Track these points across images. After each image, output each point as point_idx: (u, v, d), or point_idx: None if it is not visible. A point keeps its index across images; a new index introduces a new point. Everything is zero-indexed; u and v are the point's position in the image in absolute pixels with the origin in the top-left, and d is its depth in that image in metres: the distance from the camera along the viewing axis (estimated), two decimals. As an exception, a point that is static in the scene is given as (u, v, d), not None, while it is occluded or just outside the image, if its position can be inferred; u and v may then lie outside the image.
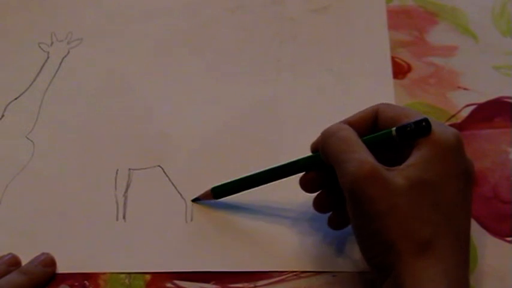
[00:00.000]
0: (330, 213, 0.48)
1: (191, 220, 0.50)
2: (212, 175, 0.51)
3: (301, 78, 0.57)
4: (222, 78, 0.58)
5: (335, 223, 0.48)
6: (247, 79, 0.58)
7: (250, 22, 0.61)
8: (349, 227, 0.47)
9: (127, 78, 0.58)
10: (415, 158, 0.41)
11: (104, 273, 0.48)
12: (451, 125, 0.53)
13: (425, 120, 0.42)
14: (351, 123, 0.44)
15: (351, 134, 0.43)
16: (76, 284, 0.48)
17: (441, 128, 0.42)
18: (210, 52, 0.60)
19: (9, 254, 0.49)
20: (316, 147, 0.46)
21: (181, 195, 0.51)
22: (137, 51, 0.60)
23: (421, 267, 0.39)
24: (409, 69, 0.57)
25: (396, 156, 0.43)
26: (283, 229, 0.49)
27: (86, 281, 0.48)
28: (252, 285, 0.47)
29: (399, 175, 0.41)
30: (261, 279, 0.47)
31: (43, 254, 0.49)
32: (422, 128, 0.41)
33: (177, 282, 0.48)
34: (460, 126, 0.54)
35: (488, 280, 0.46)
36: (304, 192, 0.47)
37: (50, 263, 0.48)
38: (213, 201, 0.51)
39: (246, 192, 0.50)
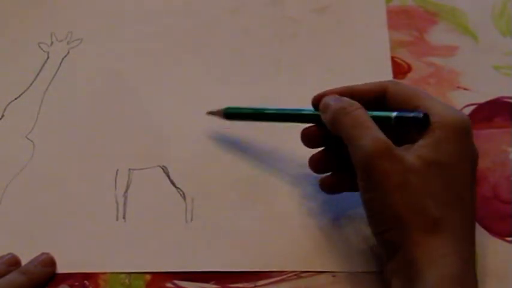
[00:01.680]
0: (323, 176, 0.48)
1: (191, 220, 0.50)
2: (212, 175, 0.51)
3: (301, 78, 0.57)
4: (222, 78, 0.58)
5: (328, 186, 0.48)
6: (247, 79, 0.58)
7: (250, 22, 0.61)
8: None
9: (127, 78, 0.58)
10: (428, 138, 0.42)
11: (104, 273, 0.48)
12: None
13: (425, 115, 0.42)
14: (356, 91, 0.45)
15: (364, 113, 0.43)
16: (76, 284, 0.48)
17: (453, 111, 0.43)
18: (210, 52, 0.60)
19: (9, 254, 0.49)
20: (318, 103, 0.46)
21: (181, 195, 0.51)
22: (137, 51, 0.60)
23: (432, 244, 0.40)
24: (409, 69, 0.57)
25: (402, 135, 0.43)
26: (283, 229, 0.49)
27: (86, 281, 0.48)
28: (252, 285, 0.47)
29: (412, 154, 0.41)
30: (261, 279, 0.47)
31: (43, 254, 0.49)
32: (420, 125, 0.42)
33: (177, 282, 0.48)
34: (460, 126, 0.53)
35: (488, 280, 0.46)
36: (307, 192, 0.48)
37: (50, 263, 0.48)
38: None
39: (246, 192, 0.50)
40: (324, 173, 0.48)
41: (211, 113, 0.53)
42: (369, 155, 0.41)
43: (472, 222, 0.42)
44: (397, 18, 0.60)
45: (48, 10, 0.63)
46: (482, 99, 0.55)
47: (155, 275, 0.48)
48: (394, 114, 0.43)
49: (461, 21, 0.60)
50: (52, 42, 0.61)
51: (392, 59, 0.58)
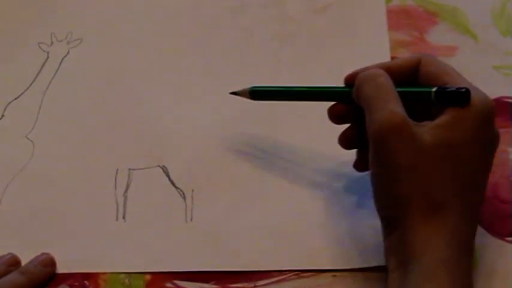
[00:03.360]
0: (356, 156, 0.48)
1: (191, 220, 0.50)
2: (212, 175, 0.51)
3: (301, 78, 0.57)
4: (222, 78, 0.58)
5: (360, 165, 0.48)
6: (247, 79, 0.58)
7: (250, 22, 0.61)
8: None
9: (127, 78, 0.58)
10: (447, 117, 0.41)
11: (104, 273, 0.48)
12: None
13: (467, 90, 0.41)
14: (390, 68, 0.44)
15: (388, 82, 0.43)
16: (76, 284, 0.48)
17: (477, 93, 0.42)
18: (210, 52, 0.60)
19: (9, 254, 0.49)
20: (350, 82, 0.45)
21: (181, 195, 0.51)
22: (137, 51, 0.60)
23: (430, 227, 0.40)
24: (409, 69, 0.57)
25: (424, 110, 0.42)
26: (283, 229, 0.49)
27: (85, 281, 0.48)
28: (252, 285, 0.47)
29: (427, 132, 0.40)
30: (261, 279, 0.47)
31: (43, 254, 0.49)
32: (462, 99, 0.41)
33: (177, 282, 0.48)
34: (460, 126, 0.53)
35: (488, 280, 0.46)
36: (306, 191, 0.48)
37: (50, 263, 0.48)
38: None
39: (246, 192, 0.50)
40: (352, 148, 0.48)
41: (235, 93, 0.51)
42: (382, 129, 0.40)
43: (476, 208, 0.42)
44: (397, 18, 0.60)
45: (48, 10, 0.63)
46: (482, 99, 0.55)
47: (155, 275, 0.48)
48: (434, 89, 0.42)
49: (461, 21, 0.60)
50: (52, 42, 0.61)
51: (392, 59, 0.58)
